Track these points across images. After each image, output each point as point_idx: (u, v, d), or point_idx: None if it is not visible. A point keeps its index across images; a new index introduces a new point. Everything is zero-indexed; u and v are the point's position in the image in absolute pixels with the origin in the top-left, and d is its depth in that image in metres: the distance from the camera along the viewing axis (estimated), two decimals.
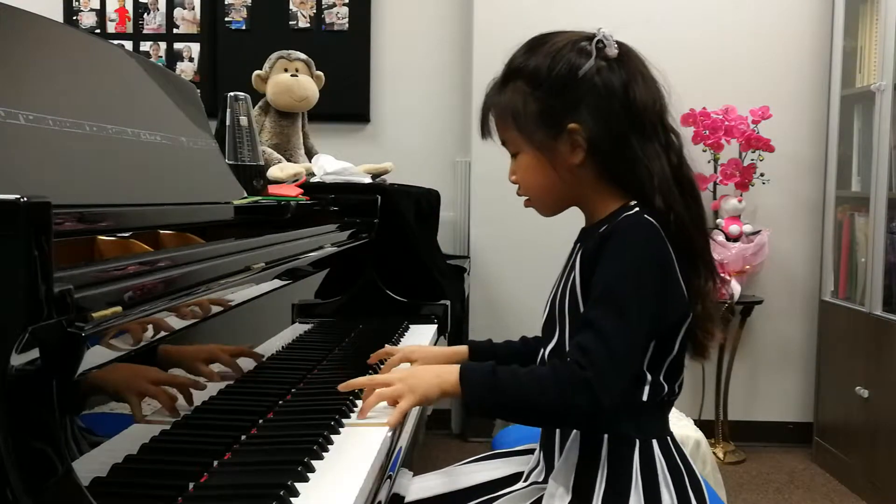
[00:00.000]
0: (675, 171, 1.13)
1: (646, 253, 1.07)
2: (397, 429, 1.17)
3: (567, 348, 1.12)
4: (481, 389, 1.09)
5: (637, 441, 1.11)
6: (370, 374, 1.35)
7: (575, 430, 1.13)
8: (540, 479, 1.20)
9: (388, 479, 1.03)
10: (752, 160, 3.13)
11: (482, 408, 1.11)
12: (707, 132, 3.09)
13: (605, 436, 1.11)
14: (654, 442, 1.13)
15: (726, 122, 3.08)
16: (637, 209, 1.11)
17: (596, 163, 1.13)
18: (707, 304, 1.14)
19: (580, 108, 1.11)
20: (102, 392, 0.80)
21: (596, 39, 1.12)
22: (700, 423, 2.33)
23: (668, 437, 1.16)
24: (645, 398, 1.11)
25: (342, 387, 1.18)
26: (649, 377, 1.11)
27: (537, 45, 1.15)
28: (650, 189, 1.11)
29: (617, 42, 1.13)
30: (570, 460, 1.13)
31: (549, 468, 1.18)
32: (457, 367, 1.11)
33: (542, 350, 1.22)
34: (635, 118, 1.11)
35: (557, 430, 1.17)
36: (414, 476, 1.27)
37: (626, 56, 1.14)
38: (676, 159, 1.14)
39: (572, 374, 1.03)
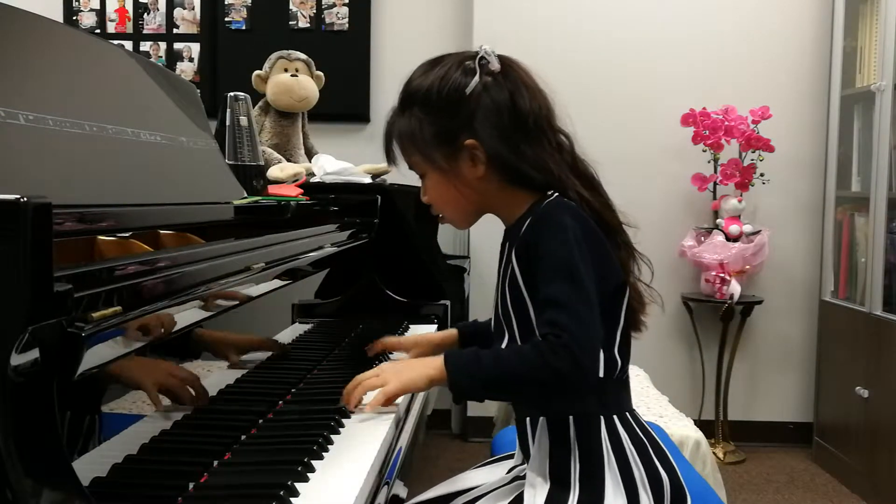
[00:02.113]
0: (572, 168, 1.20)
1: (577, 224, 1.13)
2: (397, 428, 1.17)
3: (519, 343, 1.18)
4: (466, 370, 1.13)
5: (601, 418, 1.16)
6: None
7: (542, 417, 1.16)
8: (523, 474, 1.21)
9: (386, 486, 1.04)
10: (752, 160, 3.13)
11: (468, 387, 1.14)
12: (707, 132, 3.10)
13: (571, 417, 1.15)
14: (615, 418, 1.17)
15: (726, 122, 3.08)
16: (556, 194, 1.18)
17: (498, 172, 1.19)
18: (633, 278, 1.21)
19: (473, 125, 1.17)
20: (115, 381, 0.80)
21: (479, 56, 1.18)
22: (700, 423, 2.33)
23: (629, 413, 1.20)
24: (602, 374, 1.15)
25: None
26: (602, 352, 1.15)
27: (427, 69, 1.21)
28: (557, 186, 1.18)
29: (499, 56, 1.19)
30: (542, 448, 1.16)
31: (528, 459, 1.20)
32: (441, 356, 1.15)
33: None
34: (524, 126, 1.17)
35: (528, 420, 1.19)
36: (409, 494, 1.27)
37: (509, 69, 1.19)
38: (570, 158, 1.21)
39: (550, 344, 1.07)
